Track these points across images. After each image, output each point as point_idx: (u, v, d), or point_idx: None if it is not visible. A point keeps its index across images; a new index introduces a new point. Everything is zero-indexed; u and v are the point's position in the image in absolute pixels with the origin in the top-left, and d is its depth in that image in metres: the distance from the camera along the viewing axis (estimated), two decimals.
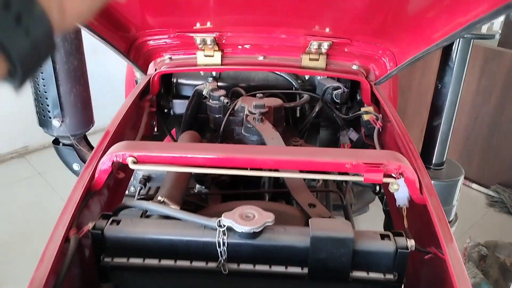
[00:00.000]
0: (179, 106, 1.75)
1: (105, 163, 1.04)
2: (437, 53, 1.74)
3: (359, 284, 0.94)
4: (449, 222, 1.72)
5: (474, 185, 3.62)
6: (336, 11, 1.48)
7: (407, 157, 1.21)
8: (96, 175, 1.05)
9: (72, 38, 1.35)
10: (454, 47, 1.59)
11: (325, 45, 1.58)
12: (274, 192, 1.38)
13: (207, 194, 1.36)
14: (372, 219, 2.48)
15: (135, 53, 1.61)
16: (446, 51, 1.63)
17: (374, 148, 1.44)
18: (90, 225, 0.95)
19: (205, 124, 1.68)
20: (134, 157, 1.02)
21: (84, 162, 1.55)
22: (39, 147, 3.86)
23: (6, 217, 3.08)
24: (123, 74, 2.45)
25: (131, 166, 1.01)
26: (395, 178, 1.04)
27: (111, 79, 3.53)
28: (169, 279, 0.97)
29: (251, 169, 1.04)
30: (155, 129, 1.69)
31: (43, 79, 1.37)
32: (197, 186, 1.41)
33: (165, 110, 1.75)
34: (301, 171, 1.11)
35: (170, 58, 1.65)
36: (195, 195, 1.35)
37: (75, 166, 1.55)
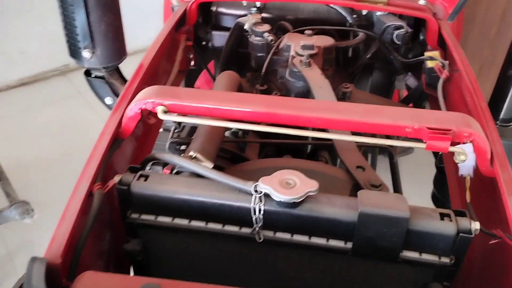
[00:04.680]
0: (219, 39, 1.60)
1: (133, 110, 0.94)
2: None
3: (408, 266, 0.84)
4: None
5: None
6: None
7: (477, 118, 1.04)
8: (123, 122, 0.96)
9: None
10: None
11: None
12: (317, 145, 1.26)
13: (245, 141, 1.26)
14: (417, 162, 2.33)
15: None
16: None
17: (435, 99, 1.26)
18: (116, 179, 0.87)
19: (246, 60, 1.53)
20: (164, 105, 0.91)
21: (117, 96, 1.46)
22: (80, 66, 3.82)
23: (48, 135, 3.14)
24: None
25: (161, 116, 0.91)
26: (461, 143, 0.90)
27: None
28: (199, 241, 0.90)
29: (295, 127, 0.91)
30: (192, 63, 1.57)
31: (71, 6, 1.24)
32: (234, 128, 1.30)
33: (203, 43, 1.60)
34: (353, 133, 0.97)
35: None
36: (232, 142, 1.25)
37: (108, 100, 1.47)
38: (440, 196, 1.49)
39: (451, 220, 0.80)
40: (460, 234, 0.79)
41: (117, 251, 0.92)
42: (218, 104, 0.92)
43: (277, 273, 0.91)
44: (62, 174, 2.78)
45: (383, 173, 1.46)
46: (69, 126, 3.25)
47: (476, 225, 0.80)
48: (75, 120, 3.32)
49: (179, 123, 1.34)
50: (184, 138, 1.28)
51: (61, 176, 2.77)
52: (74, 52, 1.35)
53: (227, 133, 1.35)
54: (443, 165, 1.26)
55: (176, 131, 1.33)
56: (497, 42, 3.36)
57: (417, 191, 1.73)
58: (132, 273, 1.00)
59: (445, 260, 0.82)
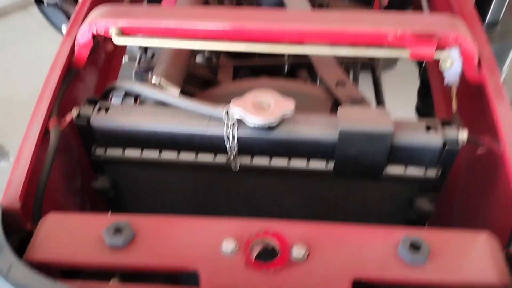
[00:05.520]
0: None
1: (84, 36, 0.83)
2: None
3: (393, 182, 0.81)
4: None
5: None
6: None
7: (465, 20, 0.96)
8: (76, 50, 0.86)
9: None
10: None
11: None
12: (295, 63, 1.17)
13: (216, 66, 1.16)
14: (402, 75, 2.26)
15: None
16: None
17: (419, 5, 1.17)
18: (73, 113, 0.79)
19: None
20: (117, 27, 0.81)
21: None
22: None
23: (14, 75, 2.98)
24: None
25: (115, 40, 0.81)
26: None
27: None
28: (172, 173, 0.85)
29: (267, 42, 0.82)
30: None
31: None
32: (206, 52, 1.20)
33: None
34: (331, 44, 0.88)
35: None
36: (202, 66, 1.16)
37: (64, 29, 1.33)
38: (424, 108, 1.44)
39: (437, 131, 0.76)
40: (447, 146, 0.75)
41: (91, 189, 0.87)
42: (180, 21, 0.82)
43: (257, 201, 0.87)
44: None
45: (366, 91, 1.40)
46: (35, 64, 3.06)
47: (463, 134, 0.75)
48: (40, 57, 3.13)
49: (146, 49, 1.23)
50: (152, 65, 1.18)
51: None
52: None
53: (199, 59, 1.25)
54: (427, 76, 1.19)
55: (146, 58, 1.22)
56: None
57: (402, 104, 1.68)
58: None
59: (432, 173, 0.79)
